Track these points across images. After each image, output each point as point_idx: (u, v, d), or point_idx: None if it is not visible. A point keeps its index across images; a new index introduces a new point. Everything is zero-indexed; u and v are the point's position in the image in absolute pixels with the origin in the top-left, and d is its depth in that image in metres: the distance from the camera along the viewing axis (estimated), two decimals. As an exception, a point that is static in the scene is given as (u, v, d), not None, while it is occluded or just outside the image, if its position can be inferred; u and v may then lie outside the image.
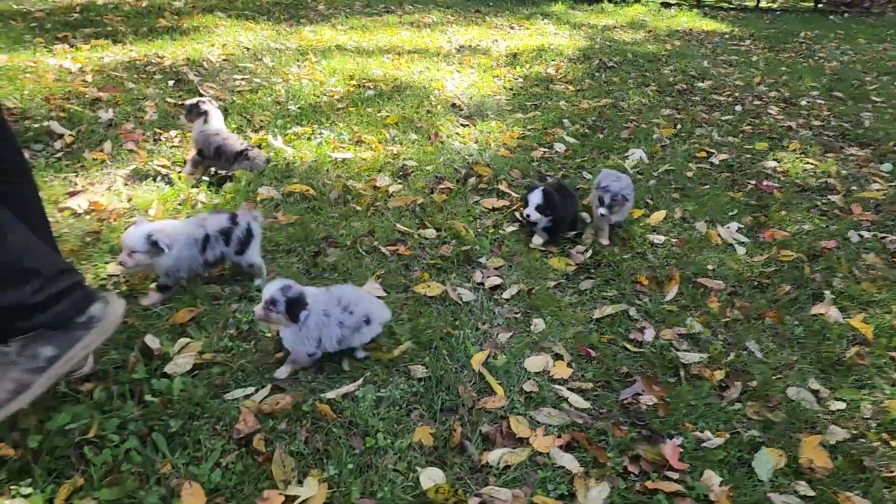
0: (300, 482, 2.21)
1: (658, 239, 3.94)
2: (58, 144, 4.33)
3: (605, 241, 3.89)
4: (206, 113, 4.14)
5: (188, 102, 4.24)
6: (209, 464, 2.21)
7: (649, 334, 3.14)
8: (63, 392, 2.42)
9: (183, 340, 2.75)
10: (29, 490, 2.05)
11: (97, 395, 2.40)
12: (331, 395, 2.58)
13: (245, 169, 4.16)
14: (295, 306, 2.54)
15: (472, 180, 4.47)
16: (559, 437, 2.52)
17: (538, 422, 2.59)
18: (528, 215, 3.78)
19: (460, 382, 2.71)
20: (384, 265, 3.45)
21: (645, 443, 2.53)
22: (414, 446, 2.42)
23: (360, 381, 2.67)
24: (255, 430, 2.37)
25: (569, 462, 2.41)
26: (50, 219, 3.46)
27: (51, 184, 3.84)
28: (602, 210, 3.76)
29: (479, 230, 3.88)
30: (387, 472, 2.30)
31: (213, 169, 4.20)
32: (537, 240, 3.85)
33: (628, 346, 3.06)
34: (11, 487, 2.05)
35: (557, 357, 2.94)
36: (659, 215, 4.19)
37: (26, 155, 4.10)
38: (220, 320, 2.91)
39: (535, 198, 3.75)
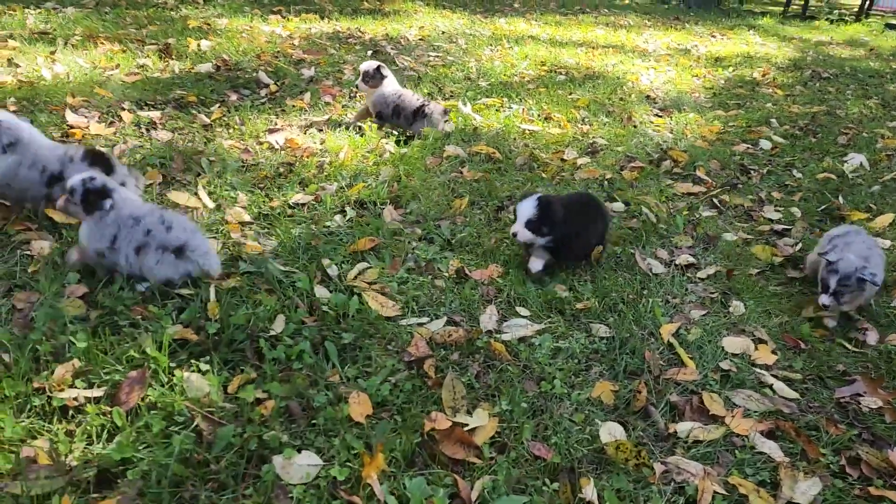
0: (469, 412, 2.05)
1: (884, 243, 3.41)
2: (263, 92, 4.55)
3: (831, 324, 2.74)
4: (385, 77, 4.13)
5: (365, 67, 4.18)
6: (378, 379, 2.11)
7: (872, 337, 2.69)
8: (244, 294, 2.43)
9: (361, 265, 2.70)
10: (207, 367, 2.05)
11: (273, 303, 2.38)
12: (506, 336, 2.41)
13: (426, 126, 4.15)
14: (93, 197, 2.34)
15: (667, 163, 4.15)
16: (760, 422, 2.18)
17: (735, 403, 2.26)
18: (513, 233, 2.74)
19: (647, 349, 2.44)
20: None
21: (868, 446, 2.13)
22: (593, 400, 2.18)
23: (540, 326, 2.47)
24: (426, 356, 2.25)
25: (772, 449, 2.08)
26: (249, 149, 3.62)
27: (253, 121, 4.00)
28: (825, 299, 2.63)
29: (672, 211, 3.57)
30: (562, 420, 2.08)
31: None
32: (535, 265, 2.80)
33: (846, 345, 2.63)
34: (192, 362, 2.06)
35: (760, 342, 2.58)
36: (884, 219, 3.64)
37: (234, 97, 4.39)
38: (399, 253, 2.84)
39: (526, 210, 2.70)
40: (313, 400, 2.01)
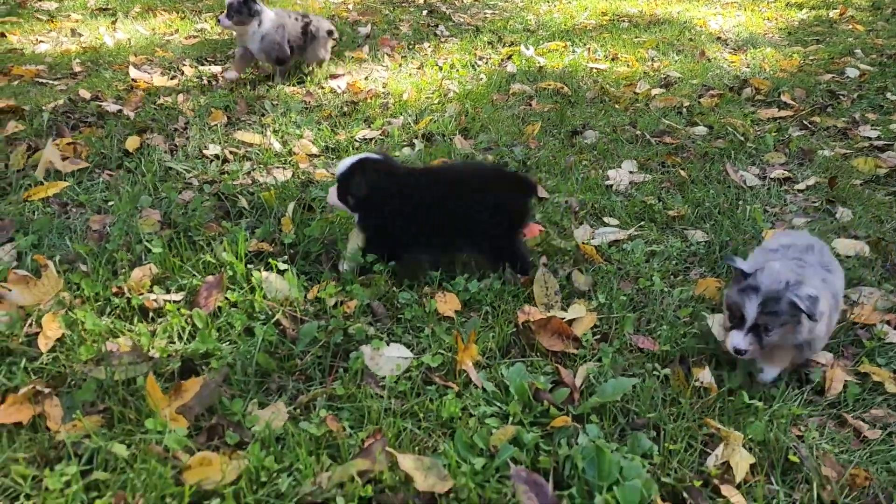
0: (563, 309, 1.90)
1: None
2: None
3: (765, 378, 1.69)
4: (259, 12, 3.53)
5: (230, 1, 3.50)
6: (464, 278, 1.97)
7: None
8: (320, 209, 2.34)
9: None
10: (285, 266, 1.96)
11: (344, 213, 2.28)
12: (595, 241, 2.25)
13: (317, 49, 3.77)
14: None
15: (748, 91, 3.90)
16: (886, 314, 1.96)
17: (854, 301, 2.04)
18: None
19: (751, 251, 2.24)
20: (648, 150, 3.06)
21: None
22: (697, 297, 2.00)
23: (630, 230, 2.31)
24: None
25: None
26: (311, 93, 3.55)
27: (315, 70, 3.93)
28: (736, 341, 1.57)
29: (760, 133, 3.33)
30: (665, 314, 1.91)
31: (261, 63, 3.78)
32: (349, 244, 2.11)
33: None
34: (270, 261, 1.97)
35: (873, 247, 2.35)
36: None
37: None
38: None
39: (341, 170, 2.01)
40: (397, 299, 1.90)
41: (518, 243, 2.04)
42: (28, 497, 1.26)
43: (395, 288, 1.95)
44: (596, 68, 4.28)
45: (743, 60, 4.70)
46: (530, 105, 3.55)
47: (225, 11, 3.50)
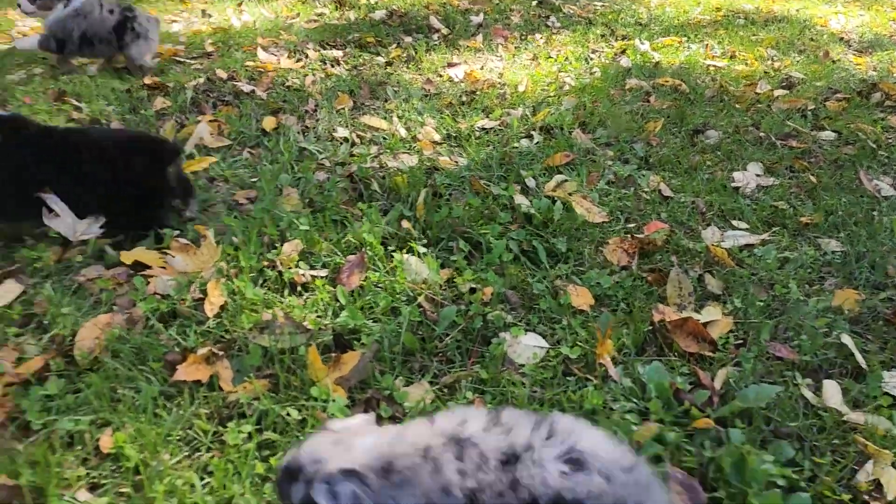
0: (696, 310, 1.90)
1: None
2: (435, 36, 4.55)
3: None
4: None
5: None
6: (597, 273, 2.00)
7: None
8: (447, 195, 2.40)
9: (559, 177, 2.60)
10: (424, 249, 2.03)
11: (478, 203, 2.34)
12: (727, 244, 2.23)
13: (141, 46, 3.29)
14: None
15: (877, 96, 3.74)
16: None
17: None
18: None
19: (889, 264, 2.18)
20: (773, 154, 2.99)
21: None
22: (834, 308, 1.97)
23: (763, 235, 2.27)
24: (632, 259, 2.12)
25: None
26: (431, 80, 3.62)
27: (431, 59, 4.01)
28: None
29: (892, 141, 3.19)
30: (803, 324, 1.88)
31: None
32: None
33: None
34: (409, 244, 2.04)
35: None
36: None
37: (408, 40, 4.42)
38: (596, 169, 2.71)
39: None
40: (531, 288, 1.94)
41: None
42: (209, 450, 1.38)
43: (528, 278, 2.00)
44: (713, 66, 4.18)
45: (869, 63, 4.50)
46: (648, 101, 3.51)
47: None
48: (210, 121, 2.84)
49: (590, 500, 0.99)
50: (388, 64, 3.87)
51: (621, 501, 1.01)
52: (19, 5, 3.14)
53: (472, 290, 1.93)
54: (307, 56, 3.90)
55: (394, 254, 2.01)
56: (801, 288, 2.05)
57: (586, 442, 1.04)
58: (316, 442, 1.10)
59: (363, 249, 2.04)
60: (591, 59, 4.30)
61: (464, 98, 3.46)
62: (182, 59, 3.69)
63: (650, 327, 1.81)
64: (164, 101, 2.99)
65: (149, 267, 1.92)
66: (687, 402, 1.55)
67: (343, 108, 3.16)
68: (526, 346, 1.73)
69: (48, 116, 2.74)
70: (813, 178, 2.74)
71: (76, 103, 2.87)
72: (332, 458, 1.04)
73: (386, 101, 3.33)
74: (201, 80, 3.28)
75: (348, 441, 1.08)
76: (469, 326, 1.78)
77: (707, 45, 4.60)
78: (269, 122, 2.87)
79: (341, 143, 2.84)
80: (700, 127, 3.22)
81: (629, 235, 2.21)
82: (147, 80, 3.19)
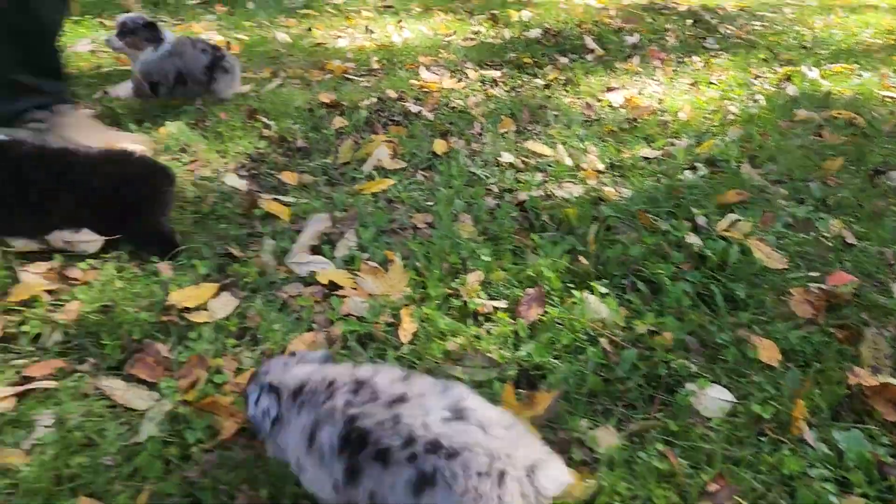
0: (893, 375, 1.81)
1: None
2: (589, 56, 4.54)
3: None
4: (163, 40, 3.15)
5: (126, 17, 3.16)
6: (784, 326, 1.95)
7: None
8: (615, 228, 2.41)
9: (731, 217, 2.54)
10: (606, 290, 2.06)
11: (652, 241, 2.33)
12: (914, 302, 2.12)
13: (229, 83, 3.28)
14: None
15: None
16: None
17: None
18: None
19: None
20: (967, 201, 2.78)
21: None
22: None
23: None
24: (819, 313, 2.05)
25: None
26: (590, 105, 3.63)
27: (588, 81, 4.01)
28: None
29: None
30: None
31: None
32: None
33: None
34: (591, 284, 2.07)
35: None
36: None
37: (563, 60, 4.44)
38: (771, 209, 2.63)
39: None
40: (714, 337, 1.92)
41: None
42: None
43: (708, 325, 1.98)
44: (890, 97, 3.94)
45: None
46: (820, 136, 3.36)
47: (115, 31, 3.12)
48: (384, 141, 2.98)
49: (464, 451, 1.10)
50: (547, 86, 3.91)
51: (494, 454, 1.10)
52: (108, 41, 3.15)
53: (651, 333, 1.93)
54: (467, 76, 4.00)
55: (573, 290, 2.04)
56: None
57: (474, 402, 1.21)
58: (277, 360, 1.42)
59: (541, 283, 2.09)
60: (754, 84, 4.16)
61: (625, 125, 3.44)
62: (351, 77, 3.88)
63: (848, 390, 1.74)
64: (342, 119, 3.16)
65: (341, 287, 2.05)
66: (892, 478, 1.49)
67: (507, 132, 3.23)
68: (712, 399, 1.71)
69: (242, 133, 2.97)
70: None
71: (266, 121, 3.09)
72: (273, 374, 1.35)
73: (547, 125, 3.37)
74: (374, 100, 3.44)
75: (292, 366, 1.37)
76: (651, 372, 1.79)
77: (882, 73, 4.33)
78: (439, 146, 2.97)
79: (507, 169, 2.90)
80: (881, 167, 3.05)
81: (816, 287, 2.13)
82: (324, 98, 3.38)
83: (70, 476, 1.39)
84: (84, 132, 2.53)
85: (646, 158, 3.11)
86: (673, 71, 4.34)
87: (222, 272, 2.09)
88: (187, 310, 1.87)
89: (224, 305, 1.89)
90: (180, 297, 1.89)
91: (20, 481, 1.36)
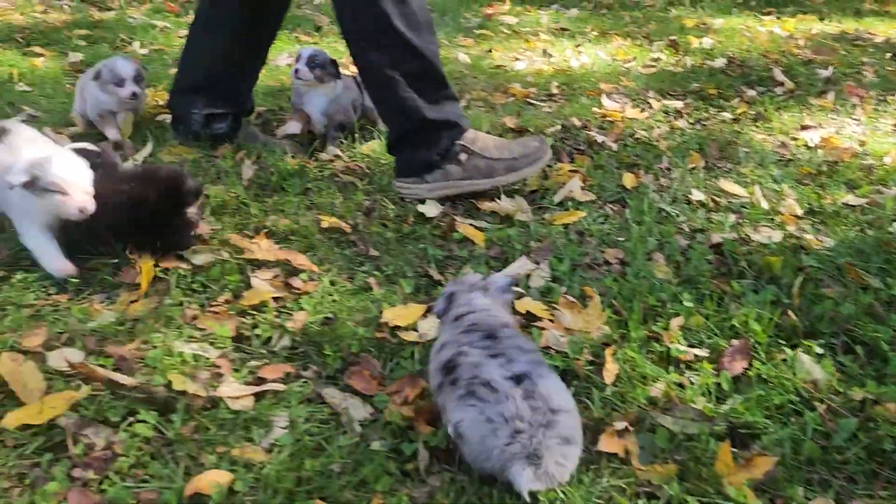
0: None
1: None
2: (779, 90, 4.34)
3: None
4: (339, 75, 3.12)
5: (314, 51, 3.11)
6: None
7: None
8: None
9: None
10: (822, 351, 1.96)
11: (864, 298, 2.19)
12: None
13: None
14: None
15: None
16: None
17: None
18: None
19: None
20: None
21: None
22: None
23: None
24: None
25: None
26: (784, 144, 3.47)
27: (780, 117, 3.84)
28: None
29: None
30: None
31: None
32: None
33: None
34: (802, 341, 1.98)
35: None
36: None
37: (751, 93, 4.26)
38: None
39: None
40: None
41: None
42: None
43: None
44: None
45: None
46: None
47: (302, 60, 3.03)
48: (570, 171, 3.00)
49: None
50: (735, 120, 3.78)
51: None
52: (296, 71, 3.04)
53: (872, 402, 1.82)
54: (650, 105, 3.95)
55: (784, 347, 1.96)
56: None
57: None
58: (470, 279, 1.87)
59: (745, 335, 2.02)
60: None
61: (823, 167, 3.26)
62: (533, 102, 3.93)
63: None
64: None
65: (539, 319, 2.08)
66: None
67: (695, 168, 3.15)
68: (946, 485, 1.59)
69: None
70: None
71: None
72: (457, 287, 1.82)
73: (738, 163, 3.26)
74: (558, 127, 3.47)
75: (476, 290, 1.79)
76: (874, 445, 1.68)
77: None
78: (628, 179, 2.95)
79: (697, 208, 2.83)
80: None
81: None
82: (509, 123, 3.45)
83: (306, 478, 1.49)
84: (496, 149, 2.68)
85: (849, 206, 2.93)
86: (873, 110, 4.06)
87: (424, 292, 2.18)
88: (398, 328, 1.97)
89: (431, 326, 1.97)
90: (392, 315, 1.99)
91: (263, 478, 1.48)
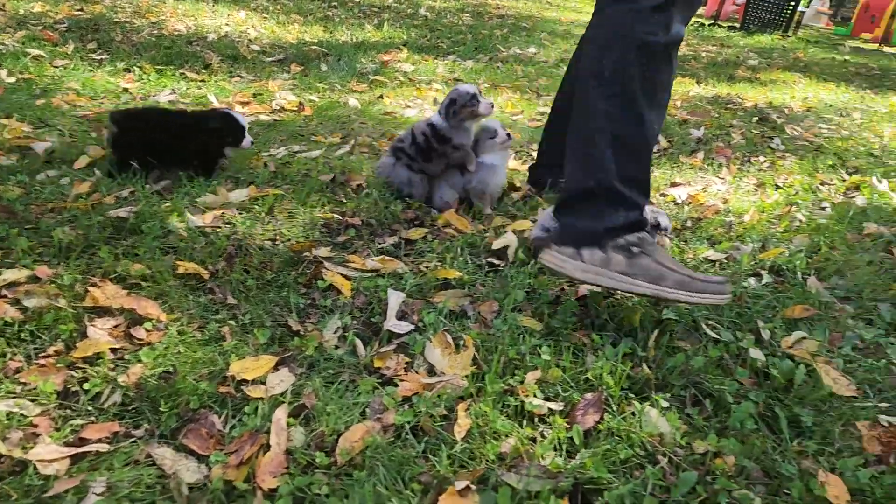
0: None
1: None
2: (655, 148, 4.54)
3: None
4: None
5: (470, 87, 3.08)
6: (853, 462, 1.87)
7: None
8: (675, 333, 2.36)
9: (798, 334, 2.47)
10: (667, 404, 2.00)
11: (715, 353, 2.27)
12: None
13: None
14: None
15: None
16: None
17: None
18: None
19: None
20: None
21: None
22: None
23: None
24: (890, 451, 1.95)
25: None
26: (652, 202, 3.61)
27: (652, 175, 4.00)
28: None
29: None
30: None
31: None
32: None
33: None
34: (653, 397, 2.02)
35: None
36: None
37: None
38: (839, 329, 2.55)
39: None
40: (778, 467, 1.84)
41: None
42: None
43: (771, 450, 1.90)
44: (963, 217, 3.84)
45: None
46: (890, 252, 3.28)
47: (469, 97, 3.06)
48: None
49: None
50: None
51: None
52: (475, 107, 3.04)
53: (713, 455, 1.86)
54: (533, 158, 4.04)
55: (633, 401, 1.99)
56: None
57: None
58: None
59: (601, 389, 2.05)
60: (821, 191, 4.11)
61: (688, 223, 3.41)
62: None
63: (919, 545, 1.65)
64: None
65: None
66: None
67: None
68: (775, 537, 1.63)
69: (317, 200, 3.03)
70: None
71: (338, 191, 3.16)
72: None
73: (609, 217, 3.36)
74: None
75: None
76: (711, 499, 1.72)
77: (955, 192, 4.24)
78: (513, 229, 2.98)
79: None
80: (954, 293, 2.95)
81: (886, 421, 2.04)
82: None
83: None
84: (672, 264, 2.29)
85: (709, 260, 3.07)
86: (738, 169, 4.32)
87: (279, 343, 2.10)
88: (244, 381, 1.87)
89: (281, 381, 1.89)
90: (239, 367, 1.90)
91: (68, 551, 1.35)
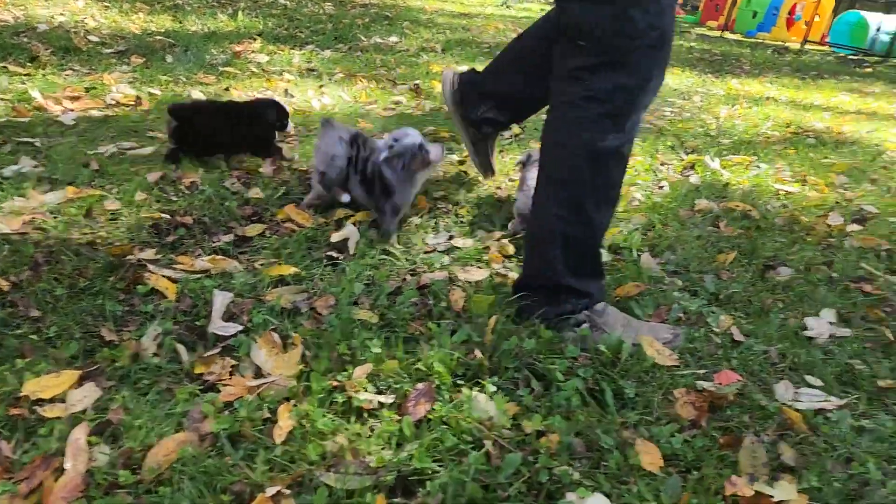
0: (769, 483, 1.83)
1: None
2: (506, 133, 4.63)
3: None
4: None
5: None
6: (668, 430, 1.96)
7: None
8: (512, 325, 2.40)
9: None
10: (494, 389, 2.02)
11: (549, 336, 2.33)
12: (801, 406, 2.17)
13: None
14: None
15: (960, 240, 3.64)
16: None
17: None
18: None
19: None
20: (847, 299, 2.91)
21: None
22: (917, 496, 1.87)
23: (841, 402, 2.20)
24: (709, 414, 2.07)
25: None
26: (500, 187, 3.67)
27: (503, 159, 4.08)
28: None
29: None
30: (883, 511, 1.80)
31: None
32: None
33: None
34: (480, 382, 2.03)
35: None
36: None
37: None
38: (666, 302, 2.68)
39: None
40: (599, 440, 1.90)
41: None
42: None
43: (595, 425, 1.96)
44: (784, 190, 4.15)
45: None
46: (717, 227, 3.49)
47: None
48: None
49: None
50: (461, 162, 3.95)
51: None
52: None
53: (539, 434, 1.90)
54: (382, 148, 4.00)
55: (462, 388, 2.00)
56: (880, 467, 1.96)
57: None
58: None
59: (432, 378, 2.04)
60: (661, 171, 4.32)
61: (533, 207, 3.48)
62: (263, 142, 3.82)
63: (722, 501, 1.74)
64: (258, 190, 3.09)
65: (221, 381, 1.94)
66: None
67: (421, 212, 3.21)
68: (592, 509, 1.68)
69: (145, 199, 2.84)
70: (889, 333, 2.66)
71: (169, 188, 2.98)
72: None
73: (456, 204, 3.38)
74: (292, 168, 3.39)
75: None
76: (534, 479, 1.75)
77: (777, 166, 4.58)
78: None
79: (419, 251, 2.87)
80: (771, 261, 3.17)
81: (701, 387, 2.16)
82: (237, 174, 3.30)
83: None
84: (621, 328, 2.39)
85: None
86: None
87: (89, 356, 1.95)
88: (41, 401, 1.72)
89: (85, 397, 1.75)
90: (35, 386, 1.75)
91: None
